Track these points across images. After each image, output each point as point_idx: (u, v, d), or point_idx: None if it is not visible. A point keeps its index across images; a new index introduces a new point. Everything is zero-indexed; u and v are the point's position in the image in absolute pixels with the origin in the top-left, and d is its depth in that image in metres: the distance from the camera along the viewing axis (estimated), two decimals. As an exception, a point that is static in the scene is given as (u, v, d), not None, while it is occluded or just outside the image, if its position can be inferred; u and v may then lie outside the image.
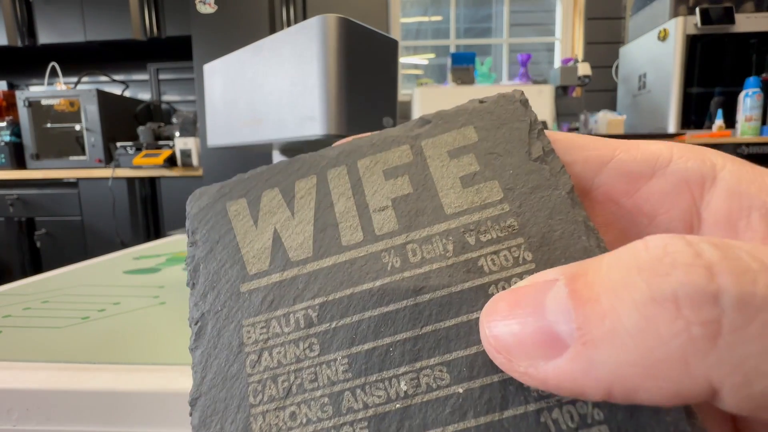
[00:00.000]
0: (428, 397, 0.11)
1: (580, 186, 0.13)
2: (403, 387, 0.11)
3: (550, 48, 2.59)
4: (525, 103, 0.14)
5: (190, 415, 0.12)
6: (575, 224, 0.12)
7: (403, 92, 2.41)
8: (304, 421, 0.11)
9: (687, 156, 0.12)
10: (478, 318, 0.11)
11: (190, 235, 0.14)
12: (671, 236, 0.08)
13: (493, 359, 0.10)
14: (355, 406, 0.11)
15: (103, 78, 2.35)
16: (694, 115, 2.02)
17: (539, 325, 0.09)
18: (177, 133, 1.97)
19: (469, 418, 0.10)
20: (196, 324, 0.13)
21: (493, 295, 0.11)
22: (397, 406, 0.11)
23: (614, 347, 0.08)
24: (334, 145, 0.15)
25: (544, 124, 1.72)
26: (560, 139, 0.14)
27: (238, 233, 0.14)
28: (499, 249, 0.12)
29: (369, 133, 0.14)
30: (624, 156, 0.13)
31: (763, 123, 1.91)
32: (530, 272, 0.11)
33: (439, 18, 2.63)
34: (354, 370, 0.11)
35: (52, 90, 1.99)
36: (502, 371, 0.10)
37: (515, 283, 0.11)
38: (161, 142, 1.94)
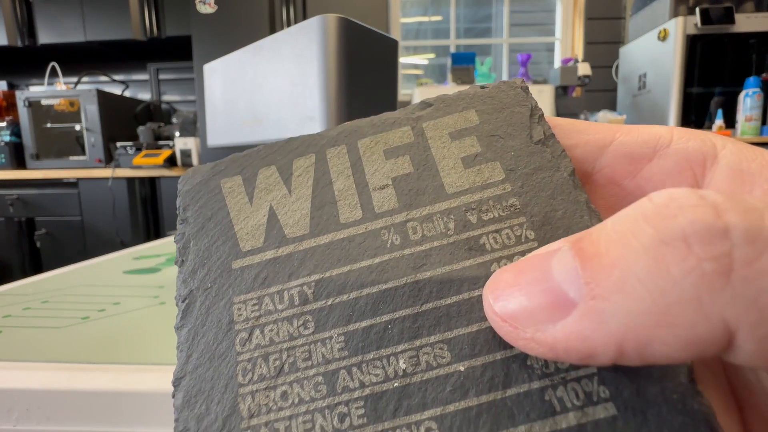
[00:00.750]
0: (428, 375, 0.10)
1: (582, 169, 0.13)
2: (402, 365, 0.10)
3: (550, 48, 2.59)
4: (525, 89, 0.14)
5: (173, 396, 0.11)
6: (577, 204, 0.12)
7: (403, 92, 2.41)
8: (296, 401, 0.10)
9: (687, 136, 0.12)
10: (479, 295, 0.11)
11: (180, 212, 0.14)
12: (674, 188, 0.08)
13: (497, 329, 0.10)
14: (350, 385, 0.10)
15: (103, 78, 2.35)
16: (694, 115, 2.02)
17: (545, 286, 0.09)
18: (177, 133, 1.97)
19: (470, 396, 0.10)
20: (183, 301, 0.12)
21: (495, 272, 0.11)
22: (395, 384, 0.10)
23: (625, 296, 0.07)
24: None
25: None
26: (560, 124, 0.14)
27: (231, 210, 0.13)
28: (501, 227, 0.12)
29: (369, 117, 0.14)
30: (625, 138, 0.13)
31: (763, 123, 1.91)
32: (532, 250, 0.11)
33: (439, 18, 2.63)
34: (350, 348, 0.11)
35: (52, 90, 1.98)
36: (505, 348, 0.10)
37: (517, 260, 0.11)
38: (161, 142, 1.94)
